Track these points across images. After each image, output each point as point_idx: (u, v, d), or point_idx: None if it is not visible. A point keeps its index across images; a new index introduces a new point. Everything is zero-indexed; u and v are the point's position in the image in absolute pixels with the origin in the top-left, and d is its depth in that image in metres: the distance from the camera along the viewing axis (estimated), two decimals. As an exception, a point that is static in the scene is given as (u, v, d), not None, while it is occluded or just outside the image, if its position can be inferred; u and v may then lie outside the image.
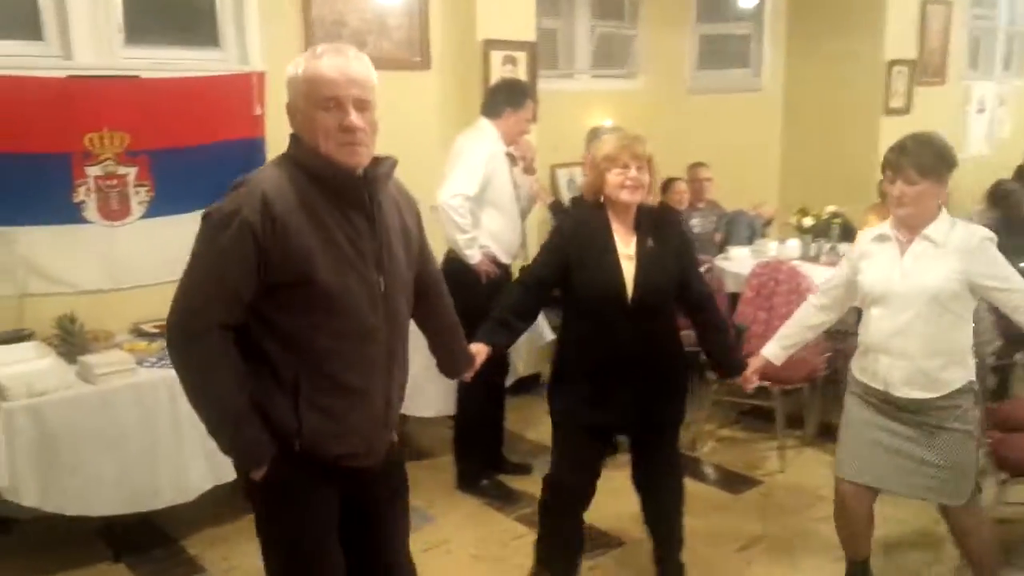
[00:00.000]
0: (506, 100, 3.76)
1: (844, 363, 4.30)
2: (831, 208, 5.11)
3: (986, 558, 2.78)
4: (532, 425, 4.51)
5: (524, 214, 4.00)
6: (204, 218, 1.82)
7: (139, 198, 3.59)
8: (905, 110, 6.98)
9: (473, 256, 3.64)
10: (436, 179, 3.68)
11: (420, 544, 2.88)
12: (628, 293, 2.64)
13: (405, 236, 2.02)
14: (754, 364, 2.91)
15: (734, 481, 3.95)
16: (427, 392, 3.83)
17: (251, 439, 1.85)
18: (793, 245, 5.12)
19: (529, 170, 3.93)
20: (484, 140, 3.73)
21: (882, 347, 2.61)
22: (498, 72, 4.57)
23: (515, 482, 3.94)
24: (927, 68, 7.18)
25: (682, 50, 6.86)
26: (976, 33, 7.94)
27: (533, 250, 3.52)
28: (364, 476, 2.01)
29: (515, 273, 3.46)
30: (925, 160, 2.52)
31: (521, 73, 4.69)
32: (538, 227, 4.58)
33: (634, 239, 2.69)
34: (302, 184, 1.83)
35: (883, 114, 6.84)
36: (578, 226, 2.77)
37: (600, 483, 3.82)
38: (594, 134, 3.96)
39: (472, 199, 3.63)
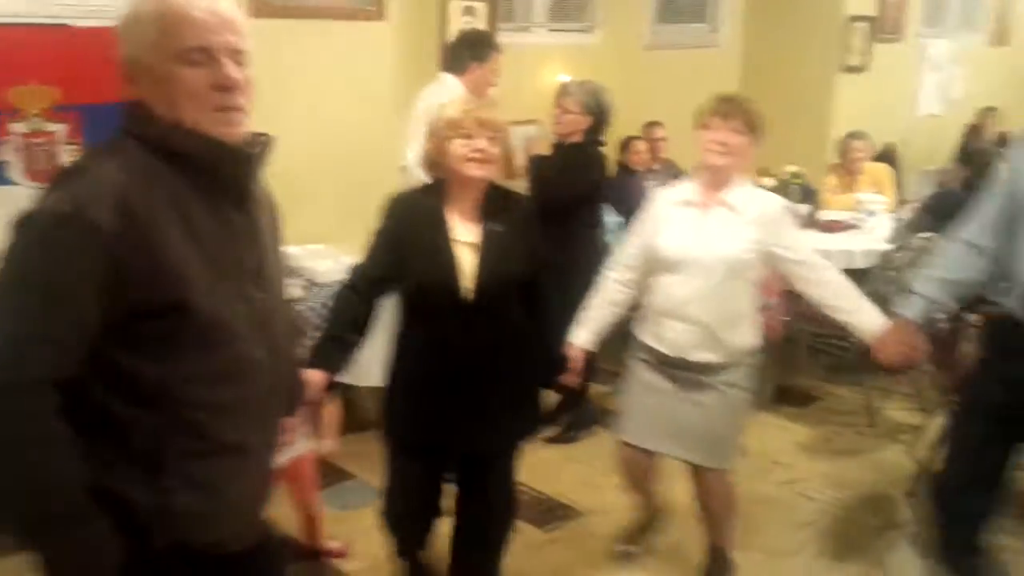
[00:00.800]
0: (471, 53, 3.60)
1: (802, 324, 4.33)
2: (791, 168, 5.06)
3: (726, 522, 2.86)
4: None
5: None
6: (21, 225, 1.29)
7: (69, 158, 3.36)
8: (863, 68, 6.95)
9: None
10: (391, 138, 3.52)
11: (368, 520, 2.79)
12: (466, 287, 2.25)
13: (274, 239, 1.58)
14: (572, 355, 2.62)
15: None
16: (375, 362, 3.70)
17: (93, 544, 1.31)
18: (752, 206, 5.07)
19: None
20: (451, 97, 3.57)
21: (676, 313, 2.58)
22: (457, 24, 4.39)
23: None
24: (885, 24, 7.13)
25: (640, 4, 6.71)
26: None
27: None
28: (232, 566, 1.53)
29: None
30: (753, 117, 2.53)
31: (480, 25, 4.51)
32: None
33: (478, 224, 2.29)
34: (158, 171, 1.35)
35: (839, 71, 6.80)
36: (410, 208, 2.32)
37: (554, 451, 3.80)
38: (564, 90, 3.80)
39: None
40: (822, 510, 3.42)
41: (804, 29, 6.78)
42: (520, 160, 4.68)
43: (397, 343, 2.40)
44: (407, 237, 2.28)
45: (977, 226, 2.45)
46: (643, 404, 2.73)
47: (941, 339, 3.42)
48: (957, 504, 2.65)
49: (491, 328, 2.30)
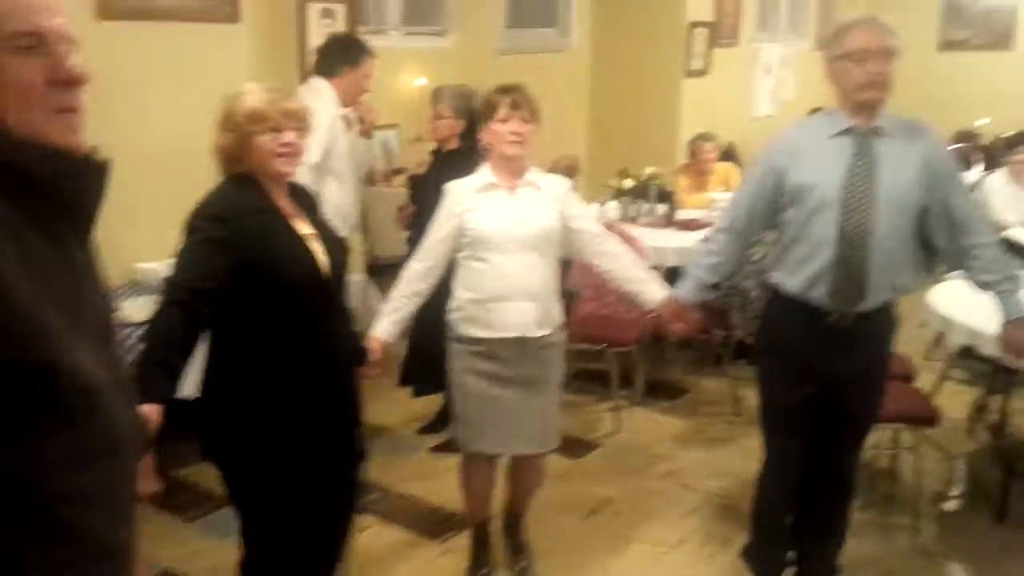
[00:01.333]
0: (343, 57, 3.49)
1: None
2: (649, 169, 5.21)
3: (536, 491, 2.99)
4: (364, 406, 4.31)
5: (363, 182, 3.78)
6: None
7: None
8: (704, 71, 7.27)
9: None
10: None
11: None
12: (327, 275, 2.17)
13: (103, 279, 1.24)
14: (372, 346, 2.57)
15: (574, 446, 3.96)
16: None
17: None
18: (613, 207, 5.19)
19: (367, 133, 3.69)
20: (323, 102, 3.44)
21: (511, 292, 2.61)
22: (315, 27, 4.25)
23: (352, 465, 3.75)
24: (723, 30, 7.49)
25: (491, 8, 6.74)
26: (764, -2, 8.38)
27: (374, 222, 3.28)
28: None
29: (353, 248, 3.22)
30: (535, 105, 2.62)
31: (339, 28, 4.38)
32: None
33: (300, 215, 2.21)
34: None
35: (684, 75, 7.08)
36: (237, 208, 2.10)
37: (441, 460, 3.76)
38: (436, 95, 3.74)
39: (314, 167, 3.35)
40: (703, 499, 3.53)
41: (649, 34, 7.01)
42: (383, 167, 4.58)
43: (248, 358, 2.13)
44: (247, 238, 2.05)
45: (736, 214, 2.62)
46: (485, 409, 2.71)
47: (714, 309, 3.98)
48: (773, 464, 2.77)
49: (344, 317, 2.29)
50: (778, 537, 2.84)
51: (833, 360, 2.48)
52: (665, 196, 5.27)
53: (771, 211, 2.54)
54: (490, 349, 2.67)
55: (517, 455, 2.85)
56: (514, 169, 2.66)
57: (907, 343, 3.82)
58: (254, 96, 2.10)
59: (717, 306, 4.37)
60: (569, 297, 4.16)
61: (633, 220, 5.10)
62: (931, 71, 9.81)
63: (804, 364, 2.53)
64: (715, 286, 4.33)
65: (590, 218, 2.82)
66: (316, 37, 4.16)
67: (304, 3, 4.30)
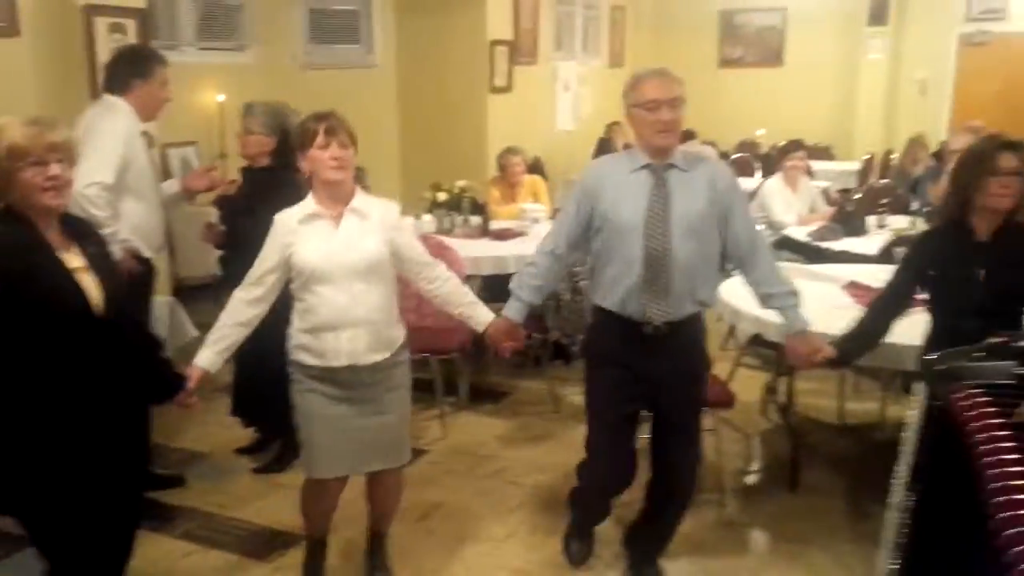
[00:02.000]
0: (132, 71, 3.33)
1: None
2: (461, 183, 5.34)
3: (396, 509, 3.04)
4: (180, 432, 4.14)
5: (171, 203, 3.65)
6: None
7: None
8: (508, 88, 7.53)
9: (114, 253, 3.20)
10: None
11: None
12: (97, 307, 2.14)
13: None
14: (193, 375, 2.57)
15: (401, 455, 3.98)
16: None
17: None
18: (428, 220, 5.27)
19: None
20: (118, 118, 3.28)
21: (341, 321, 2.61)
22: (105, 41, 4.05)
23: (170, 496, 3.59)
24: (522, 48, 7.79)
25: (291, 24, 6.68)
26: (560, 16, 8.79)
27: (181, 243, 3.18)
28: None
29: (159, 269, 3.11)
30: (351, 128, 2.63)
31: (131, 42, 4.20)
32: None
33: (71, 247, 2.17)
34: None
35: (489, 92, 7.31)
36: (5, 246, 2.05)
37: (262, 481, 3.68)
38: (246, 111, 3.65)
39: (111, 188, 3.19)
40: (529, 493, 3.66)
41: (453, 52, 7.19)
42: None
43: (19, 397, 2.07)
44: (13, 277, 2.01)
45: (557, 240, 2.83)
46: (328, 433, 2.70)
47: (531, 314, 3.98)
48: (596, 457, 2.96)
49: (119, 348, 2.22)
50: (590, 523, 3.07)
51: (653, 364, 2.74)
52: (478, 208, 5.42)
53: (585, 236, 2.78)
54: (326, 375, 2.67)
55: (371, 473, 2.85)
56: (338, 196, 2.64)
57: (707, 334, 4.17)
58: (13, 130, 2.03)
59: (537, 313, 4.56)
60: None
61: (449, 232, 5.20)
62: (713, 87, 10.64)
63: (628, 370, 2.77)
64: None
65: (420, 247, 2.83)
66: (106, 52, 3.96)
67: (91, 17, 4.09)
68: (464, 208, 5.31)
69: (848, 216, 5.20)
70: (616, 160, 2.87)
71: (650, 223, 2.63)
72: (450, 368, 4.55)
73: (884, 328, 2.84)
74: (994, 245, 2.68)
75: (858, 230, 5.04)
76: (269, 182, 3.49)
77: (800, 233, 5.33)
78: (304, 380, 2.70)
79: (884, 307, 2.87)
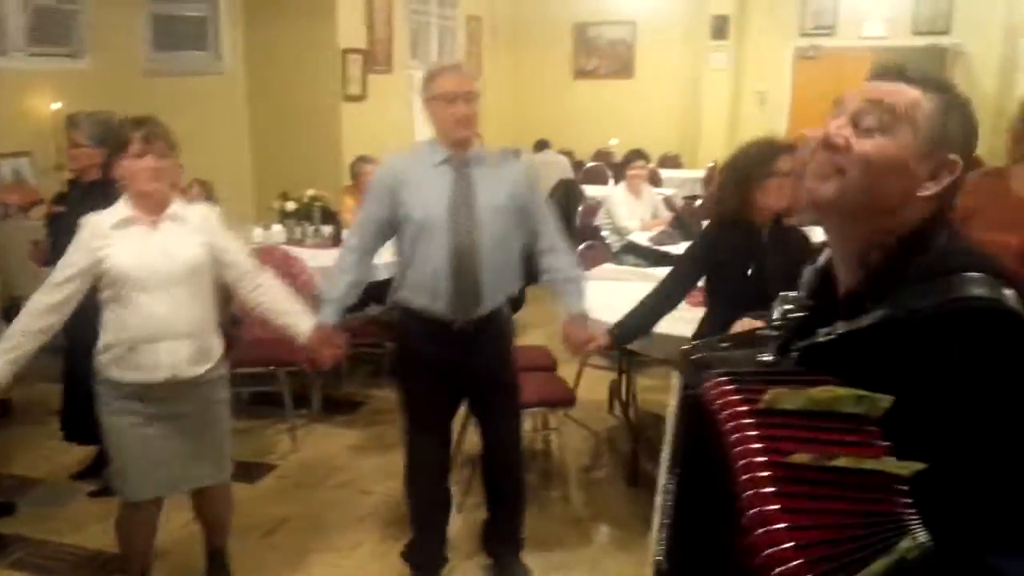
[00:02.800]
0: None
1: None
2: (311, 192, 5.29)
3: (228, 524, 3.01)
4: (11, 459, 3.94)
5: None
6: None
7: None
8: (362, 96, 7.50)
9: None
10: None
11: None
12: None
13: None
14: None
15: (249, 471, 3.91)
16: None
17: None
18: (278, 230, 5.20)
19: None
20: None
21: (161, 332, 2.52)
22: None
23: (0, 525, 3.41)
24: (377, 57, 7.78)
25: (134, 29, 6.44)
26: (415, 26, 8.82)
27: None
28: None
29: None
30: (171, 136, 2.57)
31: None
32: None
33: None
34: None
35: (343, 100, 7.26)
36: None
37: (100, 504, 3.55)
38: (71, 122, 3.51)
39: None
40: (379, 502, 3.67)
41: (304, 59, 7.11)
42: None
43: None
44: None
45: (362, 234, 2.81)
46: (144, 452, 2.59)
47: (381, 322, 4.17)
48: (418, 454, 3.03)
49: None
50: (432, 531, 3.07)
51: (465, 361, 2.79)
52: (329, 217, 5.38)
53: (391, 229, 2.75)
54: (142, 391, 2.54)
55: (196, 490, 2.78)
56: (153, 204, 2.55)
57: (551, 338, 4.29)
58: None
59: (384, 320, 4.58)
60: (235, 322, 4.12)
61: (300, 242, 5.15)
62: (568, 97, 10.94)
63: (440, 369, 2.81)
64: (380, 300, 4.53)
65: (243, 253, 2.75)
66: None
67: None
68: (315, 218, 5.27)
69: (685, 221, 5.46)
70: (416, 154, 2.81)
71: (455, 218, 2.64)
72: (302, 380, 4.50)
73: (658, 314, 2.92)
74: (771, 243, 2.80)
75: (695, 235, 5.29)
76: (98, 196, 3.36)
77: (643, 238, 5.56)
78: (116, 400, 2.56)
79: (662, 295, 2.92)
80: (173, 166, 2.57)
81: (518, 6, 10.95)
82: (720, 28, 10.19)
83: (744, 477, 0.90)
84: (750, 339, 1.20)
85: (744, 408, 0.93)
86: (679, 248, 5.27)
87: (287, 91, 7.16)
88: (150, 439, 2.57)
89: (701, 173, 9.11)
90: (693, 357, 1.16)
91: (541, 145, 8.48)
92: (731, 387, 0.97)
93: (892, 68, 1.13)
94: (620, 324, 2.90)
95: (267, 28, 7.08)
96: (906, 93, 1.09)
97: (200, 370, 2.59)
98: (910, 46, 10.19)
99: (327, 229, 5.24)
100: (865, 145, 1.07)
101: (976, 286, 0.96)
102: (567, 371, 3.97)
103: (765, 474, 0.88)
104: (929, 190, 1.07)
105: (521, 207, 2.77)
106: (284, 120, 7.18)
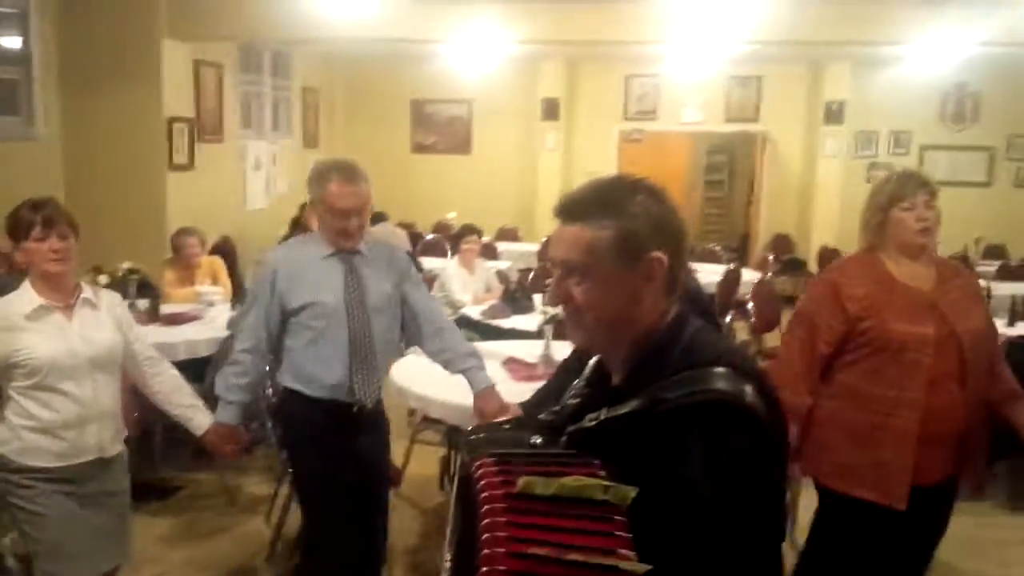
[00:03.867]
0: None
1: (156, 417, 4.33)
2: (127, 264, 5.04)
3: None
4: None
5: None
6: None
7: None
8: (189, 166, 7.28)
9: None
10: None
11: None
12: None
13: None
14: None
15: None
16: None
17: None
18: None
19: None
20: None
21: (87, 416, 2.51)
22: None
23: None
24: (206, 126, 7.60)
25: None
26: (246, 95, 8.69)
27: None
28: None
29: None
30: (71, 217, 2.54)
31: None
32: None
33: None
34: None
35: (168, 169, 7.02)
36: None
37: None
38: None
39: None
40: (191, 595, 3.45)
41: (128, 127, 6.85)
42: None
43: None
44: None
45: (257, 335, 2.84)
46: (69, 535, 2.52)
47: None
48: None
49: None
50: None
51: (360, 442, 2.87)
52: (148, 290, 5.13)
53: (281, 323, 2.83)
54: (64, 474, 2.51)
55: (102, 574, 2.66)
56: (62, 286, 2.51)
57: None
58: None
59: (209, 397, 4.36)
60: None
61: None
62: (406, 171, 11.03)
63: (337, 451, 2.83)
64: (200, 378, 4.33)
65: (147, 342, 2.78)
66: None
67: None
68: (131, 292, 5.01)
69: (514, 295, 5.57)
70: (303, 246, 2.93)
71: (351, 306, 2.77)
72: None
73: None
74: None
75: (526, 308, 5.41)
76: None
77: (475, 312, 5.62)
78: (32, 487, 2.48)
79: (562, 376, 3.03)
80: (75, 247, 2.52)
81: (355, 80, 11.03)
82: (551, 110, 10.64)
83: (484, 569, 0.92)
84: (529, 423, 1.24)
85: (500, 492, 0.95)
86: (510, 322, 5.38)
87: (109, 159, 6.85)
88: (73, 518, 2.52)
89: (536, 247, 9.37)
90: (471, 438, 1.18)
91: (378, 218, 8.46)
92: (495, 468, 0.99)
93: (565, 207, 1.22)
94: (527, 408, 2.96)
95: (87, 94, 6.78)
96: (579, 240, 1.20)
97: (120, 448, 2.64)
98: (724, 131, 11.02)
99: (143, 303, 4.98)
100: (580, 295, 1.18)
101: (719, 380, 1.04)
102: (397, 448, 3.91)
103: (502, 568, 0.90)
104: (650, 293, 1.18)
105: (400, 292, 2.92)
106: (105, 189, 6.84)
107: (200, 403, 2.85)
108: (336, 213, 2.73)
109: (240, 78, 8.48)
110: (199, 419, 2.80)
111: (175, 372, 2.83)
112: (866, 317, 2.43)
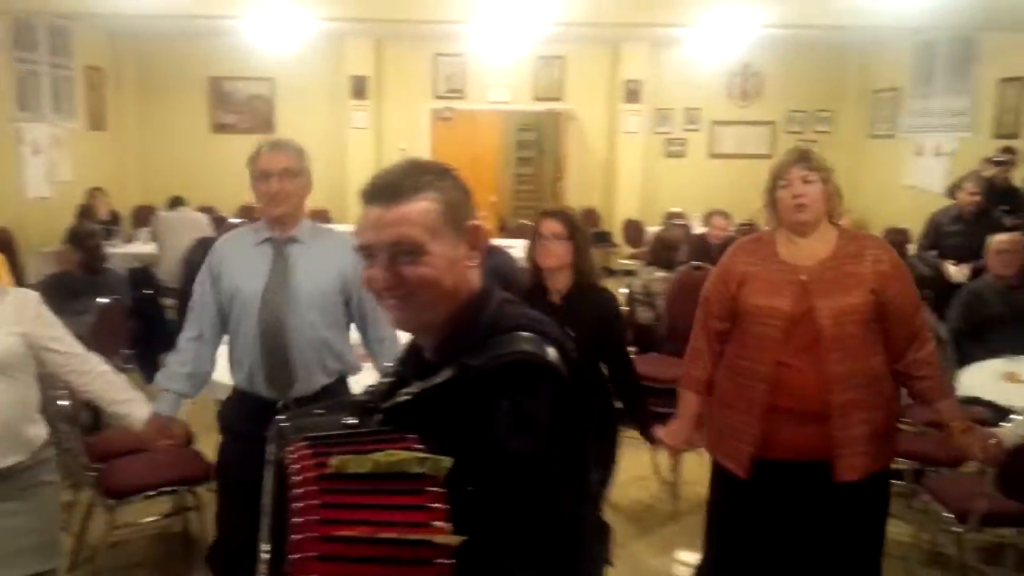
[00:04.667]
0: None
1: None
2: None
3: None
4: None
5: None
6: None
7: None
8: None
9: None
10: None
11: None
12: None
13: None
14: None
15: None
16: None
17: None
18: None
19: None
20: None
21: None
22: None
23: None
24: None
25: None
26: (21, 75, 7.94)
27: None
28: None
29: None
30: None
31: None
32: None
33: None
34: None
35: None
36: None
37: None
38: None
39: None
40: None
41: None
42: None
43: None
44: None
45: (202, 322, 2.77)
46: None
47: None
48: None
49: None
50: None
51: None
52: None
53: (221, 312, 2.74)
54: None
55: None
56: None
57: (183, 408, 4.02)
58: None
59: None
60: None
61: None
62: (207, 152, 10.52)
63: (251, 445, 2.60)
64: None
65: (68, 338, 2.58)
66: None
67: None
68: None
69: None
70: (243, 234, 2.83)
71: (267, 297, 2.64)
72: None
73: None
74: (565, 306, 2.94)
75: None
76: None
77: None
78: None
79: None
80: None
81: (146, 58, 10.35)
82: (359, 89, 10.45)
83: (295, 556, 0.90)
84: (344, 406, 1.22)
85: (313, 475, 0.93)
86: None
87: None
88: None
89: (351, 227, 9.22)
90: (282, 424, 1.14)
91: (175, 203, 8.02)
92: (308, 452, 0.97)
93: (380, 190, 1.20)
94: None
95: None
96: (407, 217, 1.17)
97: (11, 461, 2.41)
98: (532, 110, 11.25)
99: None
100: (416, 274, 1.15)
101: (524, 343, 1.07)
102: (209, 442, 3.74)
103: (313, 553, 0.89)
104: (476, 258, 1.19)
105: (349, 292, 2.73)
106: None
107: (137, 395, 2.70)
108: (257, 176, 2.64)
109: (14, 55, 7.73)
110: (137, 412, 2.67)
111: (105, 368, 2.65)
112: (738, 293, 2.54)
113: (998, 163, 6.65)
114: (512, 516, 1.00)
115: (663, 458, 4.23)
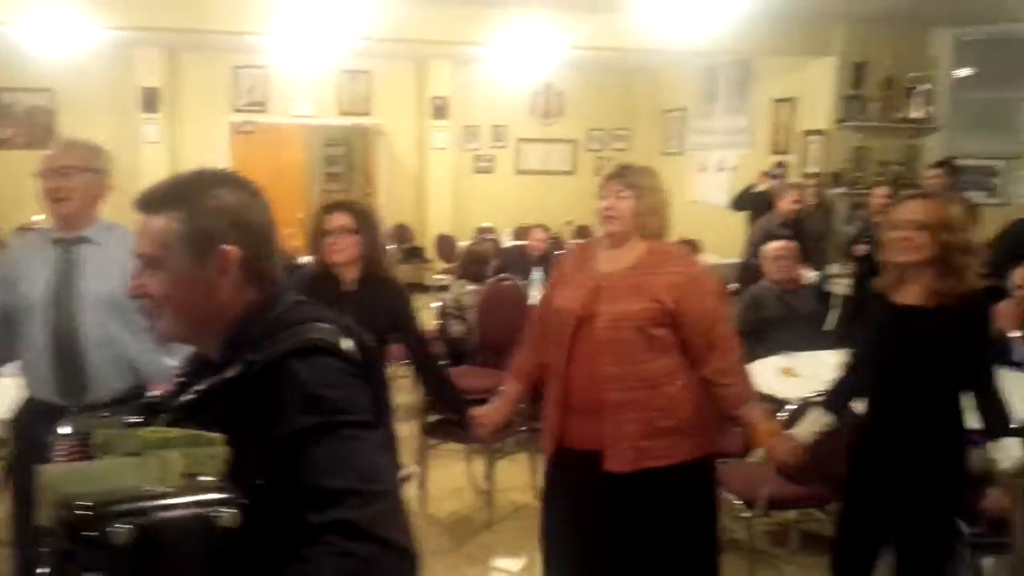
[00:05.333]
0: None
1: None
2: None
3: None
4: None
5: None
6: None
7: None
8: None
9: None
10: None
11: None
12: None
13: None
14: None
15: None
16: None
17: None
18: None
19: None
20: None
21: None
22: None
23: None
24: None
25: None
26: None
27: None
28: None
29: None
30: None
31: None
32: None
33: None
34: None
35: None
36: None
37: None
38: None
39: None
40: None
41: None
42: None
43: None
44: None
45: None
46: None
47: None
48: None
49: None
50: None
51: None
52: None
53: (13, 315, 2.59)
54: None
55: None
56: None
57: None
58: None
59: None
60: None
61: None
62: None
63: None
64: None
65: None
66: None
67: None
68: None
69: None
70: (40, 235, 2.75)
71: (53, 301, 2.53)
72: None
73: None
74: (359, 292, 3.00)
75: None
76: None
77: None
78: None
79: None
80: None
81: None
82: (150, 101, 9.93)
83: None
84: (129, 408, 1.17)
85: (76, 456, 0.91)
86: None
87: None
88: None
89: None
90: (60, 431, 1.10)
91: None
92: (76, 443, 0.95)
93: (144, 199, 1.23)
94: None
95: None
96: (150, 232, 1.21)
97: None
98: (339, 124, 11.10)
99: None
100: (154, 288, 1.15)
101: (314, 331, 1.08)
102: None
103: None
104: (227, 285, 1.17)
105: None
106: None
107: None
108: (39, 176, 2.56)
109: None
110: None
111: None
112: (550, 293, 2.82)
113: (774, 176, 7.26)
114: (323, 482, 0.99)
115: (477, 467, 4.27)
